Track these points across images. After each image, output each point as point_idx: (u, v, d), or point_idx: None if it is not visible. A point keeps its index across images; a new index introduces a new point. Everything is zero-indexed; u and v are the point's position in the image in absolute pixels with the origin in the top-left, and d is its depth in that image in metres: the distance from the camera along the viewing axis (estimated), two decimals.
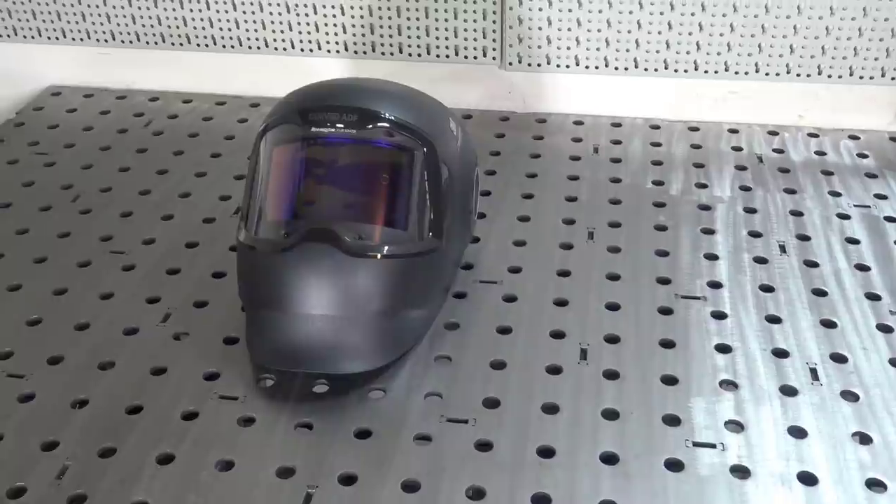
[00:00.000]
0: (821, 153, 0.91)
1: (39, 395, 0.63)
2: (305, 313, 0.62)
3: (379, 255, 0.62)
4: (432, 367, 0.65)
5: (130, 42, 1.02)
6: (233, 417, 0.61)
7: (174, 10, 0.99)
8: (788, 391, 0.63)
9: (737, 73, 0.94)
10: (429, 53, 0.97)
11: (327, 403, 0.62)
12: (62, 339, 0.68)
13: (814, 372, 0.64)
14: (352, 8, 0.96)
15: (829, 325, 0.68)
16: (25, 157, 0.93)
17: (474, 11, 0.94)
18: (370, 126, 0.63)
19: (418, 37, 0.97)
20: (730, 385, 0.63)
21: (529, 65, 0.96)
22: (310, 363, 0.62)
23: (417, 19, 0.96)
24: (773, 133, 0.94)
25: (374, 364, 0.63)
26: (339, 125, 0.63)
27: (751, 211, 0.82)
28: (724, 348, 0.66)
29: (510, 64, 0.97)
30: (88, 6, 1.00)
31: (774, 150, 0.91)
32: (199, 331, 0.69)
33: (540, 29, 0.94)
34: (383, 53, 0.98)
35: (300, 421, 0.61)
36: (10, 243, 0.79)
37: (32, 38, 1.03)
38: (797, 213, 0.81)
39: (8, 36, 1.04)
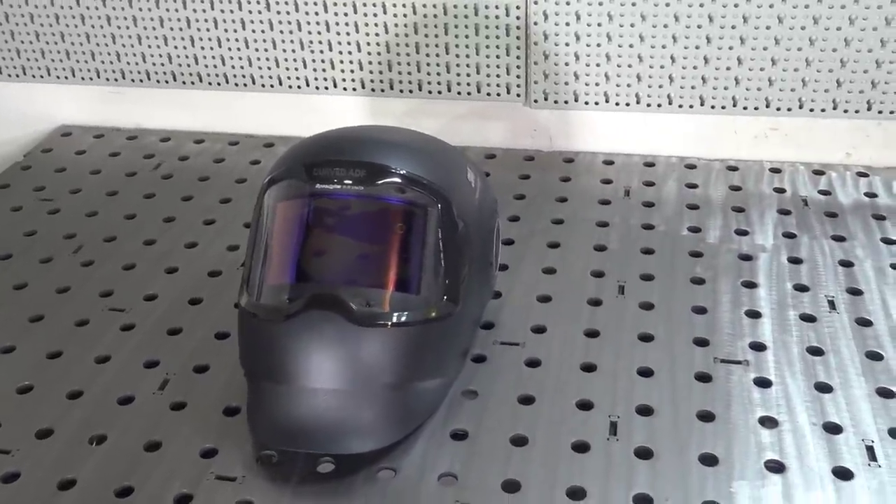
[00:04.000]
0: (871, 195, 0.84)
1: (25, 473, 0.59)
2: (309, 387, 0.57)
3: (389, 324, 0.57)
4: (447, 444, 0.60)
5: (141, 81, 0.98)
6: (230, 501, 0.56)
7: (185, 48, 0.95)
8: (842, 474, 0.56)
9: (779, 109, 0.87)
10: (450, 90, 0.93)
11: (333, 485, 0.57)
12: (53, 409, 0.64)
13: (871, 451, 0.58)
14: (368, 45, 0.91)
15: (885, 394, 0.62)
16: (29, 204, 0.89)
17: (497, 47, 0.89)
18: (379, 182, 0.58)
19: (438, 73, 0.92)
20: (777, 466, 0.57)
21: (556, 102, 0.91)
22: (314, 442, 0.57)
23: (437, 55, 0.91)
24: (819, 172, 0.88)
25: (384, 442, 0.58)
26: (346, 181, 0.58)
27: (796, 261, 0.76)
28: (769, 422, 0.60)
29: (535, 101, 0.91)
30: (98, 45, 0.97)
31: (820, 192, 0.85)
32: (197, 400, 0.64)
33: (567, 65, 0.89)
34: (402, 91, 0.93)
35: None
36: (7, 299, 0.75)
37: (42, 77, 1.00)
38: (847, 264, 0.75)
39: (17, 76, 1.01)
